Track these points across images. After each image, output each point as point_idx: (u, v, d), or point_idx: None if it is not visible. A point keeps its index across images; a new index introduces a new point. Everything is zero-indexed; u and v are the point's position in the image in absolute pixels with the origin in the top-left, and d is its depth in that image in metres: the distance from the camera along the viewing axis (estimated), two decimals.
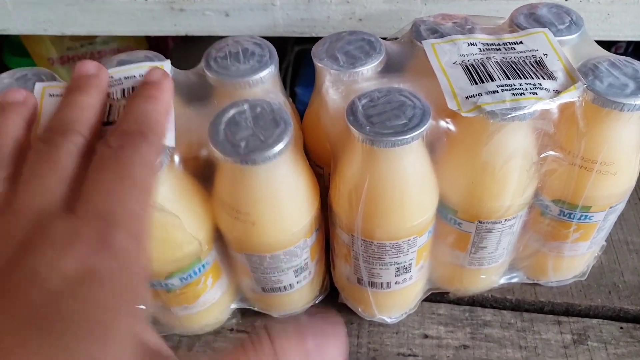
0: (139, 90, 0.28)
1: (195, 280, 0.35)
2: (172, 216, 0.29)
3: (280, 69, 0.70)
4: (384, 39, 0.40)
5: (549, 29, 0.35)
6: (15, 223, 0.21)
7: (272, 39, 0.39)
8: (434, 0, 0.43)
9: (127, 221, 0.21)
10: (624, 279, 0.43)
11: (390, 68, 0.35)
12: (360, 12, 0.45)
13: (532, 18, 0.37)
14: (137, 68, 0.33)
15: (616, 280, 0.43)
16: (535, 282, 0.43)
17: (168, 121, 0.28)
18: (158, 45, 0.75)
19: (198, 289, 0.35)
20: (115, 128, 0.25)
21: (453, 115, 0.31)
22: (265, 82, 0.33)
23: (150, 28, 0.49)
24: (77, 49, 0.72)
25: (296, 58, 0.73)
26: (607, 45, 0.44)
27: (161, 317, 0.39)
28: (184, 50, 0.71)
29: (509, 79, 0.32)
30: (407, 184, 0.32)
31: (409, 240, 0.34)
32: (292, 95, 0.70)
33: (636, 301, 0.42)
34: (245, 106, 0.31)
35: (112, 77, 0.33)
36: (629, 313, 0.42)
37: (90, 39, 0.70)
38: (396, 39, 0.39)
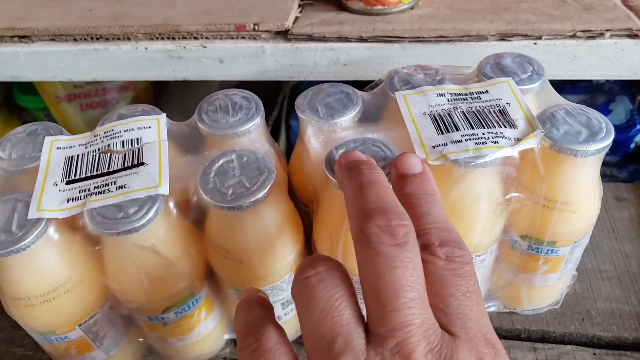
0: (411, 184, 0.28)
1: (189, 314, 0.37)
2: (164, 258, 0.32)
3: (276, 103, 0.74)
4: (369, 82, 0.43)
5: (513, 78, 0.38)
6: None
7: None
8: (412, 46, 0.47)
9: (497, 340, 0.22)
10: (596, 307, 0.46)
11: (366, 118, 0.38)
12: (344, 58, 0.48)
13: (498, 67, 0.40)
14: (136, 121, 0.37)
15: (589, 307, 0.46)
16: (512, 310, 0.46)
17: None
18: (160, 82, 0.79)
19: (192, 322, 0.38)
20: (426, 233, 0.25)
21: None
22: (251, 133, 0.37)
23: (150, 74, 0.52)
24: (83, 87, 0.76)
25: (291, 92, 0.77)
26: None
27: (159, 348, 0.42)
28: (184, 84, 0.75)
29: (473, 128, 0.35)
30: None
31: None
32: (287, 127, 0.74)
33: (608, 328, 0.44)
34: (233, 156, 0.34)
35: (112, 130, 0.36)
36: (601, 339, 0.44)
37: None
38: (378, 84, 0.42)
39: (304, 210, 0.42)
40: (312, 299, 0.23)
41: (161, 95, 0.79)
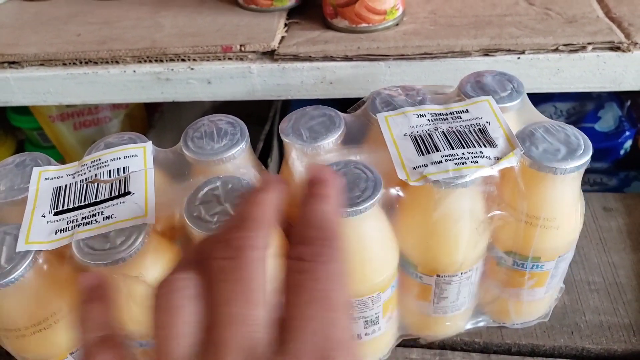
0: (311, 190, 0.27)
1: None
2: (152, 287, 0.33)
3: (268, 116, 0.74)
4: (355, 99, 0.44)
5: (493, 97, 0.39)
6: None
7: None
8: (396, 64, 0.47)
9: (345, 356, 0.21)
10: (585, 319, 0.46)
11: (349, 140, 0.39)
12: (330, 77, 0.49)
13: (478, 86, 0.40)
14: (122, 150, 0.37)
15: (578, 320, 0.46)
16: (501, 324, 0.46)
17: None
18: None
19: None
20: (299, 236, 0.24)
21: (404, 184, 0.35)
22: (237, 158, 0.37)
23: (139, 96, 0.53)
24: (76, 106, 0.77)
25: (283, 106, 0.78)
26: None
27: None
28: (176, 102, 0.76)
29: (453, 148, 0.35)
30: (365, 247, 0.35)
31: (373, 296, 0.37)
32: (279, 141, 0.74)
33: (597, 340, 0.45)
34: (218, 183, 0.35)
35: (100, 159, 0.37)
36: (590, 352, 0.44)
37: None
38: (361, 105, 0.43)
39: None
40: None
41: (153, 112, 0.80)
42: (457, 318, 0.43)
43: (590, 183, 0.68)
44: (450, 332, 0.45)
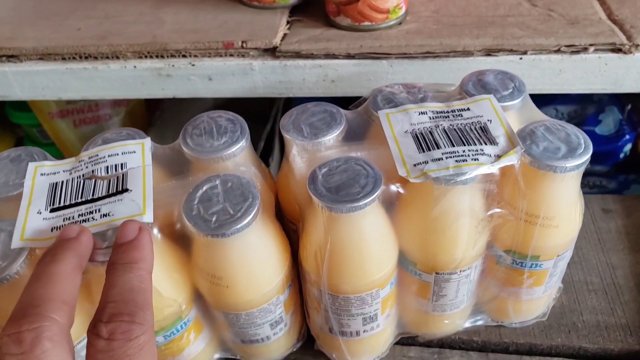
0: (117, 254, 0.27)
1: (178, 337, 0.38)
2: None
3: (270, 115, 0.74)
4: (357, 97, 0.43)
5: (494, 95, 0.39)
6: None
7: None
8: (399, 62, 0.47)
9: None
10: (583, 319, 0.46)
11: (350, 136, 0.39)
12: (332, 75, 0.49)
13: (480, 85, 0.40)
14: (120, 146, 0.37)
15: (576, 320, 0.46)
16: (500, 323, 0.46)
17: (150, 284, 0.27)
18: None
19: (182, 344, 0.38)
20: (102, 309, 0.24)
21: (404, 180, 0.35)
22: (237, 156, 0.37)
23: (140, 92, 0.53)
24: (76, 103, 0.76)
25: (285, 105, 0.77)
26: None
27: None
28: (177, 99, 0.76)
29: (454, 145, 0.35)
30: (365, 243, 0.35)
31: (372, 292, 0.37)
32: (281, 140, 0.74)
33: (594, 340, 0.45)
34: (217, 182, 0.34)
35: (97, 155, 0.37)
36: (587, 351, 0.44)
37: None
38: (362, 102, 0.43)
39: (292, 229, 0.43)
40: None
41: (154, 110, 0.80)
42: (455, 316, 0.43)
43: (590, 186, 0.69)
44: (449, 331, 0.45)
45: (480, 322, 0.46)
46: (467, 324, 0.46)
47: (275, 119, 0.74)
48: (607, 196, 0.57)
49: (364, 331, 0.40)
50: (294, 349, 0.45)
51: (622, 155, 0.66)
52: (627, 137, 0.65)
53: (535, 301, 0.43)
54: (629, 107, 0.69)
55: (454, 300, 0.41)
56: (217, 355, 0.44)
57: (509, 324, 0.46)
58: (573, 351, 0.44)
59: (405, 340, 0.46)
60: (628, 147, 0.66)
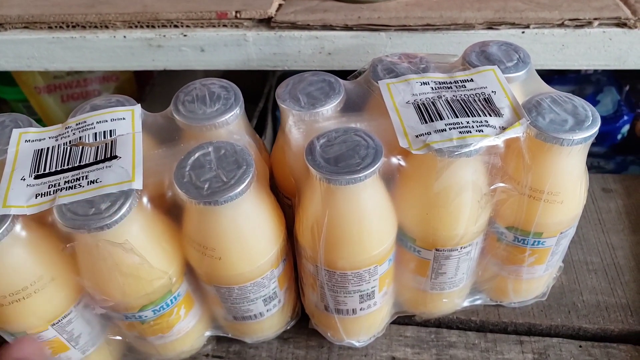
0: None
1: (168, 312, 0.36)
2: (139, 256, 0.31)
3: (262, 93, 0.72)
4: (352, 71, 0.42)
5: (498, 67, 0.37)
6: None
7: None
8: (398, 35, 0.46)
9: None
10: (582, 299, 0.45)
11: (349, 107, 0.37)
12: (329, 47, 0.47)
13: (483, 56, 0.39)
14: (109, 113, 0.35)
15: (575, 300, 0.45)
16: (498, 303, 0.45)
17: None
18: (143, 72, 0.77)
19: (171, 320, 0.37)
20: None
21: (406, 152, 0.33)
22: (230, 124, 0.35)
23: (130, 63, 0.51)
24: (63, 77, 0.74)
25: (277, 83, 0.76)
26: None
27: (138, 346, 0.41)
28: (168, 76, 0.74)
29: (457, 117, 0.34)
30: (363, 217, 0.33)
31: (370, 269, 0.36)
32: (273, 119, 0.72)
33: (594, 320, 0.44)
34: (210, 148, 0.33)
35: (85, 121, 0.35)
36: (587, 332, 0.44)
37: None
38: (361, 73, 0.41)
39: (287, 204, 0.41)
40: None
41: (144, 86, 0.78)
42: (454, 295, 0.42)
43: (588, 166, 0.68)
44: (447, 310, 0.44)
45: (478, 302, 0.45)
46: (466, 304, 0.45)
47: (268, 97, 0.72)
48: (608, 176, 0.57)
49: (360, 309, 0.39)
50: (287, 327, 0.44)
51: (619, 137, 0.65)
52: (625, 118, 0.64)
53: (535, 280, 0.42)
54: (627, 88, 0.68)
55: (454, 278, 0.40)
56: (208, 333, 0.43)
57: (508, 304, 0.45)
58: (573, 331, 0.44)
59: (402, 320, 0.45)
60: (626, 128, 0.65)
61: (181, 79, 0.71)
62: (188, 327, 0.39)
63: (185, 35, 0.48)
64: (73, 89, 0.75)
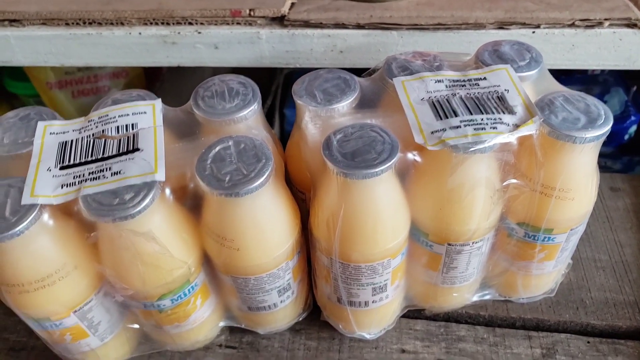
0: None
1: (185, 301, 0.37)
2: (161, 245, 0.32)
3: (270, 91, 0.73)
4: (365, 69, 0.43)
5: (511, 66, 0.38)
6: None
7: None
8: (409, 33, 0.47)
9: None
10: (590, 295, 0.46)
11: (364, 104, 0.38)
12: (341, 45, 0.48)
13: (496, 55, 0.40)
14: (131, 107, 0.36)
15: (583, 296, 0.46)
16: (507, 298, 0.46)
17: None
18: (152, 69, 0.78)
19: (188, 309, 0.38)
20: None
21: (421, 148, 0.34)
22: (248, 119, 0.36)
23: (144, 60, 0.52)
24: (74, 73, 0.75)
25: (285, 80, 0.76)
26: None
27: (154, 335, 0.42)
28: (177, 72, 0.74)
29: (472, 114, 0.34)
30: (378, 211, 0.34)
31: (383, 262, 0.36)
32: (281, 116, 0.73)
33: (602, 316, 0.45)
34: (230, 142, 0.34)
35: (107, 115, 0.36)
36: (595, 328, 0.44)
37: None
38: (375, 71, 0.42)
39: (301, 198, 0.42)
40: None
41: (154, 83, 0.79)
42: (464, 290, 0.43)
43: None
44: (456, 304, 0.45)
45: (487, 297, 0.46)
46: (475, 298, 0.45)
47: (275, 94, 0.73)
48: (615, 175, 0.57)
49: (372, 302, 0.39)
50: (299, 319, 0.45)
51: (626, 137, 0.66)
52: (633, 118, 0.65)
53: (545, 276, 0.43)
54: (635, 88, 0.69)
55: (464, 272, 0.40)
56: (222, 323, 0.44)
57: (517, 300, 0.46)
58: (580, 327, 0.44)
59: (412, 314, 0.46)
60: (633, 128, 0.66)
61: (190, 76, 0.72)
62: (203, 317, 0.40)
63: (199, 33, 0.48)
64: (84, 85, 0.76)
